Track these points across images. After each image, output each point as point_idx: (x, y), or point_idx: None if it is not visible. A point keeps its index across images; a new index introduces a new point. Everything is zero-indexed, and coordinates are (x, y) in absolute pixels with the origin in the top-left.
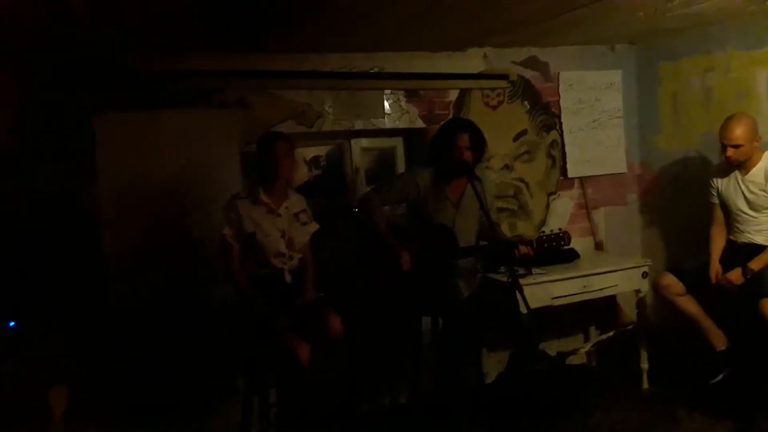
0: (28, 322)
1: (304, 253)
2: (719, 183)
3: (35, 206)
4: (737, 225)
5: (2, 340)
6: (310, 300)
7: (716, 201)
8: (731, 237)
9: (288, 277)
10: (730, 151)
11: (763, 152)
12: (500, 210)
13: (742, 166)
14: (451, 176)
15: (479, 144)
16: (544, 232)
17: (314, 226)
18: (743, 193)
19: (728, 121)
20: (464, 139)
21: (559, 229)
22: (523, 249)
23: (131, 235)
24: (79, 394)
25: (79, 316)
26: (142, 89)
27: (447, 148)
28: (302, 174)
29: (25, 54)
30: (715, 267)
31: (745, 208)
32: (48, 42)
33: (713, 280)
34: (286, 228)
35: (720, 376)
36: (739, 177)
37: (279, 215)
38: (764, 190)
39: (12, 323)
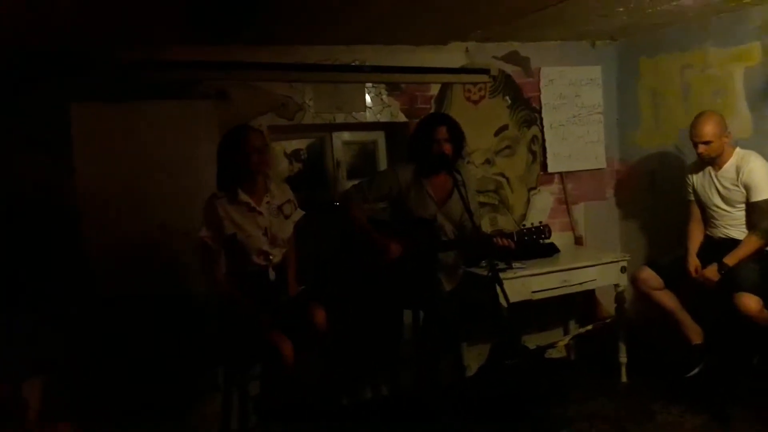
0: (4, 316)
1: (288, 247)
2: (694, 180)
3: (11, 196)
4: (713, 220)
5: None
6: (293, 296)
7: (692, 198)
8: (708, 232)
9: (272, 274)
10: (701, 148)
11: (734, 148)
12: (481, 204)
13: (715, 162)
14: (431, 171)
15: (457, 137)
16: (525, 225)
17: (299, 214)
18: (717, 188)
19: (697, 118)
20: (442, 131)
21: (540, 222)
22: (503, 240)
23: (110, 227)
24: (56, 390)
25: (57, 310)
26: (122, 80)
27: (425, 142)
28: (283, 168)
29: (1, 42)
30: (694, 261)
31: (720, 203)
32: (26, 30)
33: (693, 274)
34: (268, 225)
35: (696, 370)
36: (713, 173)
37: (260, 213)
38: (736, 185)
39: None
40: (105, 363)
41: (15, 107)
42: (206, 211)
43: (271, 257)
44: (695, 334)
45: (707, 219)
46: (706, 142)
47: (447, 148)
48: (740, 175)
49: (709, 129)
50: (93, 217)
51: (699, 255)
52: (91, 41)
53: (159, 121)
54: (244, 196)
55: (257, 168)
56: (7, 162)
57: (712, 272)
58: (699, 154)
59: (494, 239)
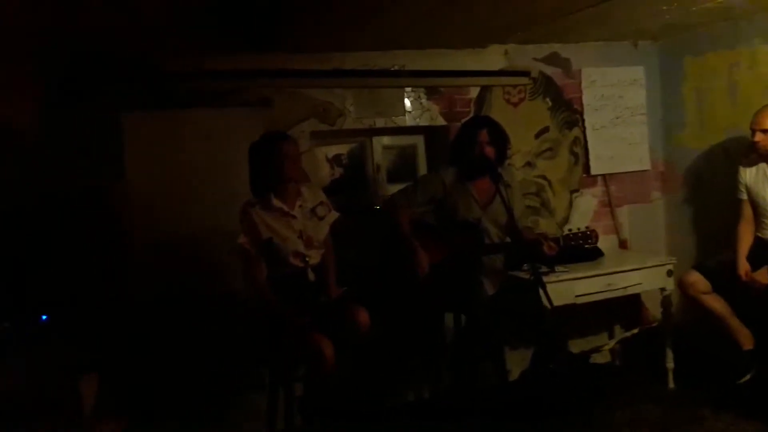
0: (60, 315)
1: (325, 248)
2: (747, 178)
3: (62, 199)
4: (765, 221)
5: (36, 333)
6: (333, 297)
7: (744, 197)
8: (758, 234)
9: (311, 275)
10: (758, 136)
11: None
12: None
13: None
14: (474, 174)
15: (500, 140)
16: (571, 230)
17: (333, 216)
18: None
19: (762, 108)
20: (483, 134)
21: (586, 227)
22: (549, 246)
23: (157, 229)
24: (108, 387)
25: (108, 310)
26: (169, 88)
27: (467, 146)
28: (325, 172)
29: (52, 48)
30: (743, 264)
31: None
32: (77, 38)
33: (743, 278)
34: (303, 228)
35: (747, 376)
36: (767, 170)
37: (294, 216)
38: None
39: (44, 317)
40: (152, 362)
41: (70, 115)
42: (242, 217)
43: (307, 258)
44: (746, 339)
45: (758, 219)
46: (765, 131)
47: (489, 150)
48: None
49: None
50: (141, 220)
51: (749, 257)
52: (136, 49)
53: (205, 129)
54: (276, 202)
55: (289, 175)
56: (62, 167)
57: (762, 275)
58: (755, 144)
59: (540, 245)
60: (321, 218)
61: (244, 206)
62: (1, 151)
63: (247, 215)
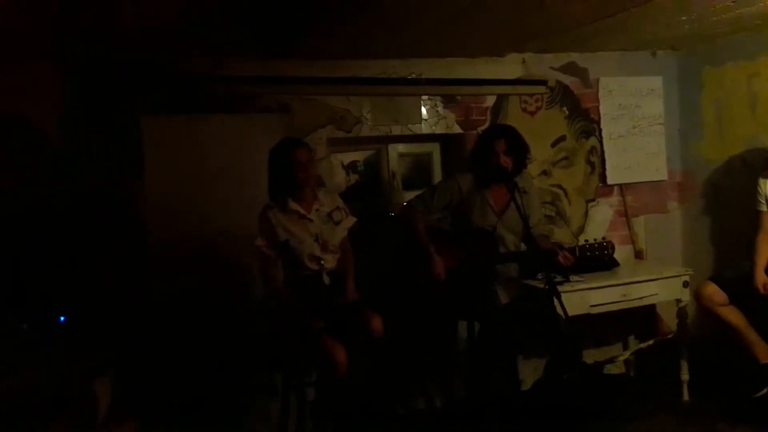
0: (76, 316)
1: (344, 250)
2: (767, 190)
3: (82, 201)
4: None
5: (54, 334)
6: (351, 300)
7: (764, 208)
8: None
9: (326, 279)
10: None
11: None
12: None
13: None
14: (489, 182)
15: (519, 149)
16: (587, 240)
17: (350, 221)
18: None
19: None
20: (500, 145)
21: (603, 238)
22: (565, 257)
23: (175, 232)
24: (120, 389)
25: (123, 311)
26: (186, 92)
27: (484, 155)
28: (340, 179)
29: (75, 52)
30: (761, 277)
31: None
32: (98, 42)
33: (761, 290)
34: (319, 231)
35: (764, 390)
36: None
37: (311, 220)
38: None
39: (63, 318)
40: (166, 363)
41: (88, 115)
42: (260, 220)
43: (323, 262)
44: (763, 352)
45: None
46: None
47: (506, 160)
48: None
49: None
50: (159, 222)
51: (767, 270)
52: (159, 55)
53: (224, 133)
54: (294, 205)
55: (303, 181)
56: (82, 168)
57: None
58: None
59: (556, 255)
60: (337, 223)
61: (263, 209)
62: (22, 152)
63: (265, 218)
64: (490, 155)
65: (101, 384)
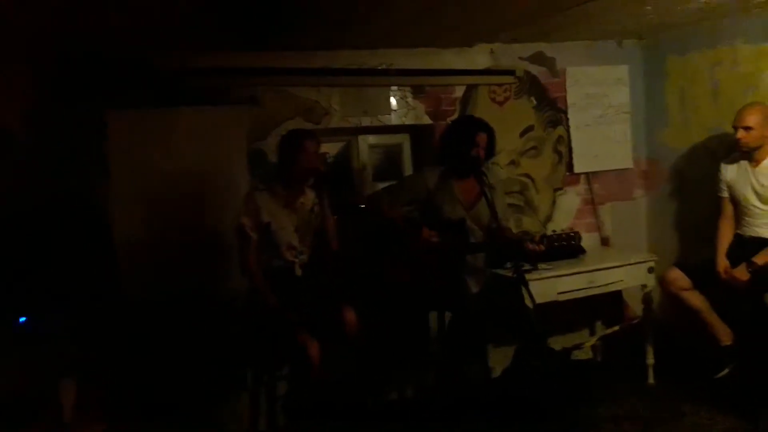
0: (38, 317)
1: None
2: (728, 176)
3: (46, 200)
4: (746, 218)
5: (13, 335)
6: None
7: (725, 194)
8: (738, 231)
9: (298, 271)
10: (740, 133)
11: None
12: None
13: (752, 157)
14: (462, 174)
15: (493, 143)
16: (555, 231)
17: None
18: (752, 185)
19: (745, 106)
20: (482, 138)
21: (570, 229)
22: (535, 246)
23: (141, 230)
24: (87, 390)
25: (88, 312)
26: (155, 86)
27: (464, 144)
28: None
29: (41, 47)
30: (723, 261)
31: (755, 201)
32: (65, 38)
33: (722, 275)
34: (300, 223)
35: (725, 371)
36: (749, 169)
37: (295, 210)
38: None
39: (23, 319)
40: (134, 363)
41: (54, 110)
42: (246, 200)
43: (298, 254)
44: (725, 335)
45: (738, 217)
46: (747, 128)
47: (482, 154)
48: None
49: (753, 116)
50: (125, 220)
51: (728, 254)
52: (126, 48)
53: (192, 127)
54: (282, 192)
55: (306, 170)
56: (45, 164)
57: (741, 272)
58: (737, 141)
59: (526, 244)
60: (318, 218)
61: (251, 190)
62: None
63: (251, 198)
64: (470, 146)
65: (65, 385)
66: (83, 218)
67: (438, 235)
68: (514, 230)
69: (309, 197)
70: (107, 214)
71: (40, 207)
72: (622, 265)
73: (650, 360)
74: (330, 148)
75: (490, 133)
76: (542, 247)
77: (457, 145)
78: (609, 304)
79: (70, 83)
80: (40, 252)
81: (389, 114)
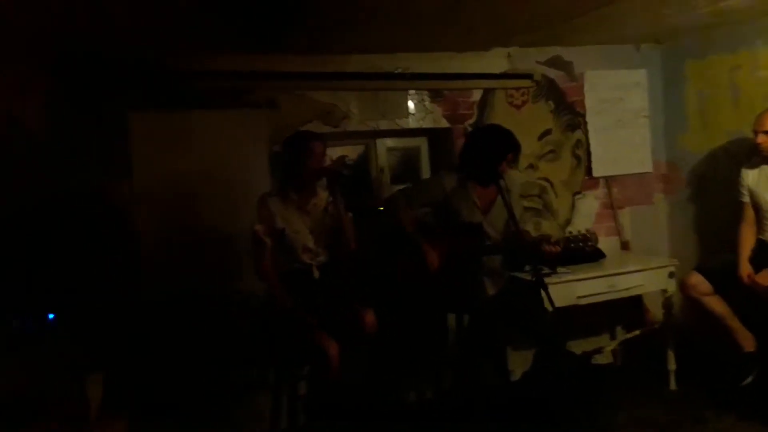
0: (65, 313)
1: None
2: (749, 178)
3: (71, 199)
4: (767, 222)
5: (42, 331)
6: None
7: (746, 199)
8: (760, 236)
9: (316, 273)
10: (761, 138)
11: None
12: (525, 209)
13: None
14: (482, 182)
15: (518, 159)
16: (571, 232)
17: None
18: None
19: (765, 110)
20: (511, 155)
21: (586, 230)
22: (552, 247)
23: (163, 230)
24: (112, 387)
25: (112, 309)
26: (176, 89)
27: (494, 160)
28: None
29: (61, 47)
30: (745, 266)
31: None
32: (85, 37)
33: (745, 280)
34: (314, 225)
35: (749, 378)
36: None
37: (308, 212)
38: None
39: (51, 315)
40: (157, 361)
41: (75, 111)
42: (259, 206)
43: (315, 256)
44: (747, 341)
45: (760, 221)
46: (767, 133)
47: (508, 168)
48: None
49: None
50: (147, 219)
51: (750, 260)
52: (146, 50)
53: (212, 129)
54: (294, 195)
55: (313, 172)
56: (70, 166)
57: (764, 278)
58: (757, 146)
59: (542, 245)
60: (332, 218)
61: (263, 195)
62: (9, 150)
63: (264, 204)
64: (499, 160)
65: (92, 381)
66: (104, 217)
67: (442, 257)
68: (533, 234)
69: (322, 197)
70: (128, 214)
71: (65, 205)
72: (643, 269)
73: (671, 365)
74: (349, 152)
75: (519, 150)
76: (558, 248)
77: (485, 157)
78: (629, 308)
79: (90, 83)
80: (68, 250)
81: (407, 117)
